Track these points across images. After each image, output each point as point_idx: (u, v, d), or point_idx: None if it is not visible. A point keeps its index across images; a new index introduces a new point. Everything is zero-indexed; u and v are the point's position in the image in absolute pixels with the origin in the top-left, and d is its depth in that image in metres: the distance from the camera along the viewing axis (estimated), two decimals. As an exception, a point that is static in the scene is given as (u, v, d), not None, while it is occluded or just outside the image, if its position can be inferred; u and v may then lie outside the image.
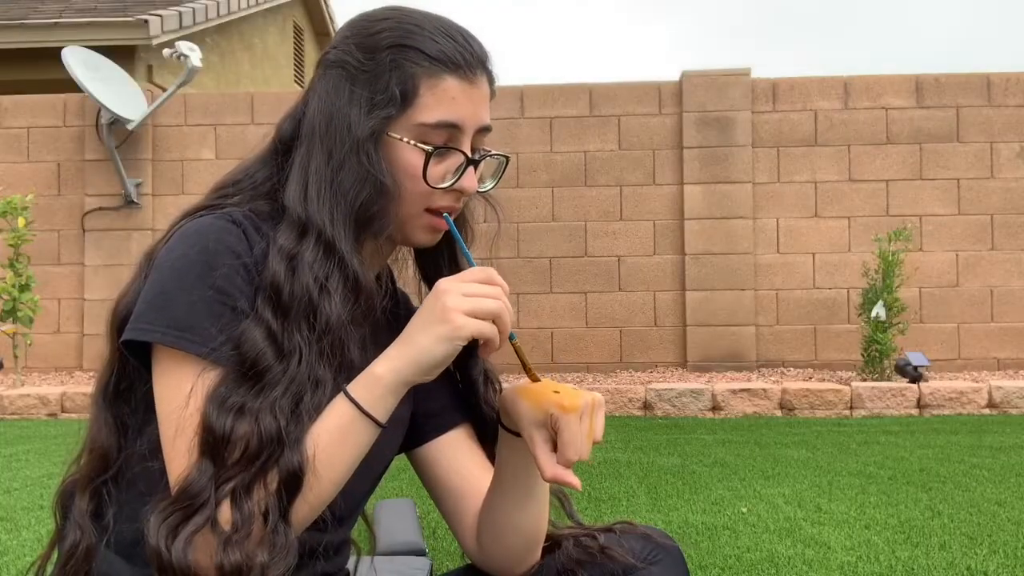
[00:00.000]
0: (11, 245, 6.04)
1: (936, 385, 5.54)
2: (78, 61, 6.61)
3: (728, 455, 4.12)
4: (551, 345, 6.76)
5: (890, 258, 5.92)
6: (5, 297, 5.99)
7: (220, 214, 1.01)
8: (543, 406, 1.00)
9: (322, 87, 1.07)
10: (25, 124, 7.08)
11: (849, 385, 5.59)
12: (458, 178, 1.06)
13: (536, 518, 1.12)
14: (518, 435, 1.06)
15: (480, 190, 1.13)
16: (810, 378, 6.23)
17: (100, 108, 6.70)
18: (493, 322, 0.97)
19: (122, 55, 7.89)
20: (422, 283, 1.21)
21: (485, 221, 1.20)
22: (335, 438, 0.96)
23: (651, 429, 4.98)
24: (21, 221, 6.07)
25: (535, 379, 1.03)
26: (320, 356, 0.97)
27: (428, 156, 1.03)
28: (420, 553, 2.41)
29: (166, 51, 6.67)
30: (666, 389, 5.58)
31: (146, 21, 8.12)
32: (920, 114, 6.66)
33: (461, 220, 1.17)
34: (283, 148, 1.09)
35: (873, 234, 6.36)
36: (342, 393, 0.97)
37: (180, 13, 8.56)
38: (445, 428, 1.19)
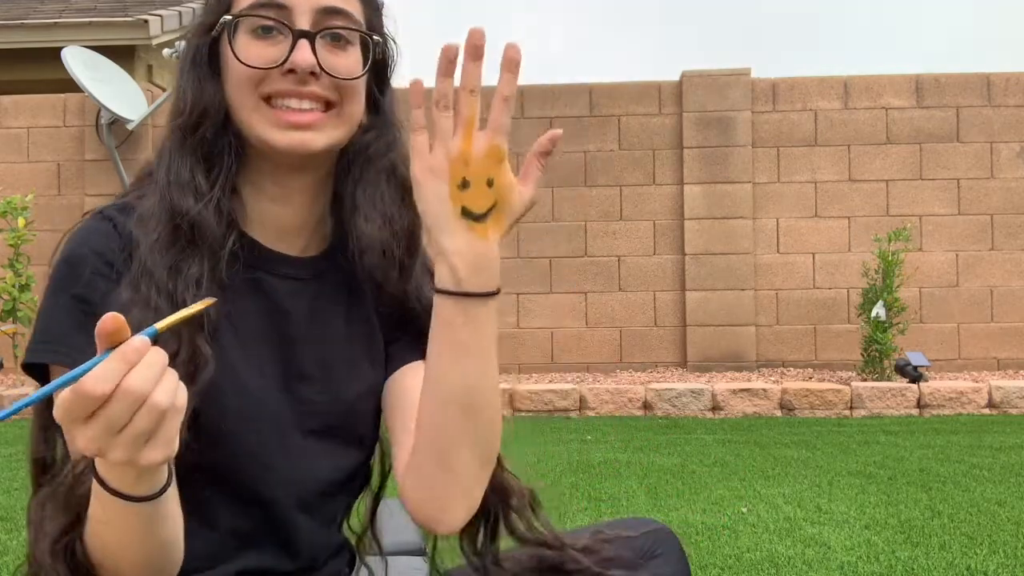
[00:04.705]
0: (11, 245, 6.04)
1: (936, 385, 5.54)
2: (78, 61, 6.61)
3: (728, 455, 4.12)
4: (551, 345, 6.76)
5: (890, 258, 5.92)
6: (5, 297, 5.99)
7: (94, 213, 0.98)
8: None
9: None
10: (25, 124, 7.07)
11: (849, 385, 5.59)
12: (288, 55, 0.93)
13: (473, 452, 0.93)
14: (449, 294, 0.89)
15: (345, 78, 0.96)
16: (810, 378, 6.23)
17: (100, 108, 6.69)
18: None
19: (122, 55, 7.89)
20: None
21: None
22: (107, 524, 0.83)
23: (651, 429, 4.98)
24: (21, 221, 6.07)
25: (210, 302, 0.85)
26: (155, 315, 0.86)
27: (232, 27, 0.95)
28: (420, 553, 2.41)
29: (166, 51, 6.67)
30: (666, 389, 5.58)
31: (146, 21, 8.12)
32: (920, 114, 6.66)
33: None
34: None
35: (873, 234, 6.36)
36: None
37: (180, 13, 8.56)
38: (406, 360, 1.07)
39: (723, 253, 6.66)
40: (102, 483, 0.77)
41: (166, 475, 0.80)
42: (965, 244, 6.62)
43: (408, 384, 1.03)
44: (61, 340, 0.90)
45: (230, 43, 0.95)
